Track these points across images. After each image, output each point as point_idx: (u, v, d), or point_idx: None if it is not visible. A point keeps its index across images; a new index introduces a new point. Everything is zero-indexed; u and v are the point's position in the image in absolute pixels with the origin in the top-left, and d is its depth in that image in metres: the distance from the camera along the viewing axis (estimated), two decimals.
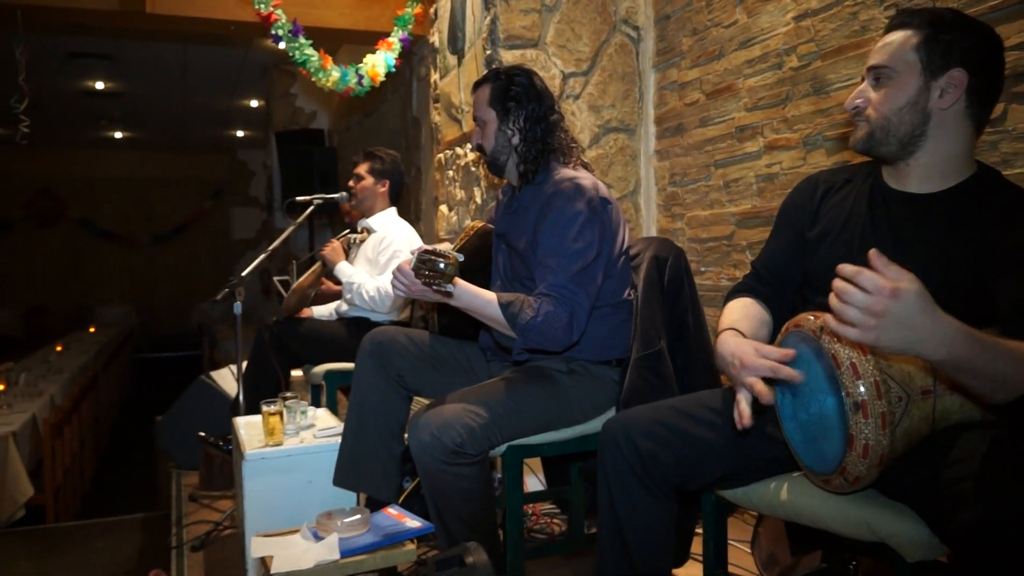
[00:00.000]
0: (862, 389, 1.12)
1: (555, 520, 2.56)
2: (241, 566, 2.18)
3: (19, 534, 3.99)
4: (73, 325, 11.05)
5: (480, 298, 1.78)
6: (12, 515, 4.07)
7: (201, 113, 10.05)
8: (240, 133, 11.41)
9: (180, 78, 8.24)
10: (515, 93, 1.98)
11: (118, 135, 11.66)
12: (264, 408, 2.16)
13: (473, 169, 3.21)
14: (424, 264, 1.58)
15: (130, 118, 10.41)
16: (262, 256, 2.91)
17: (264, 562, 1.59)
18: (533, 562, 2.24)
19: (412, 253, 1.62)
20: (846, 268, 1.02)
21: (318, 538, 1.63)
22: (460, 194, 3.39)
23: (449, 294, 1.72)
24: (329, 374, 2.98)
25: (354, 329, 2.99)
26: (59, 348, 7.65)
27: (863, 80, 1.42)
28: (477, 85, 2.06)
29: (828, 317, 1.05)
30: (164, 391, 5.75)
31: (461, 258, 1.59)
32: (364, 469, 2.03)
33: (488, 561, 1.37)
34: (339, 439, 2.10)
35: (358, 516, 1.67)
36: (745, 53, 2.51)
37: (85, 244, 12.91)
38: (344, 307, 3.19)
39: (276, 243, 2.96)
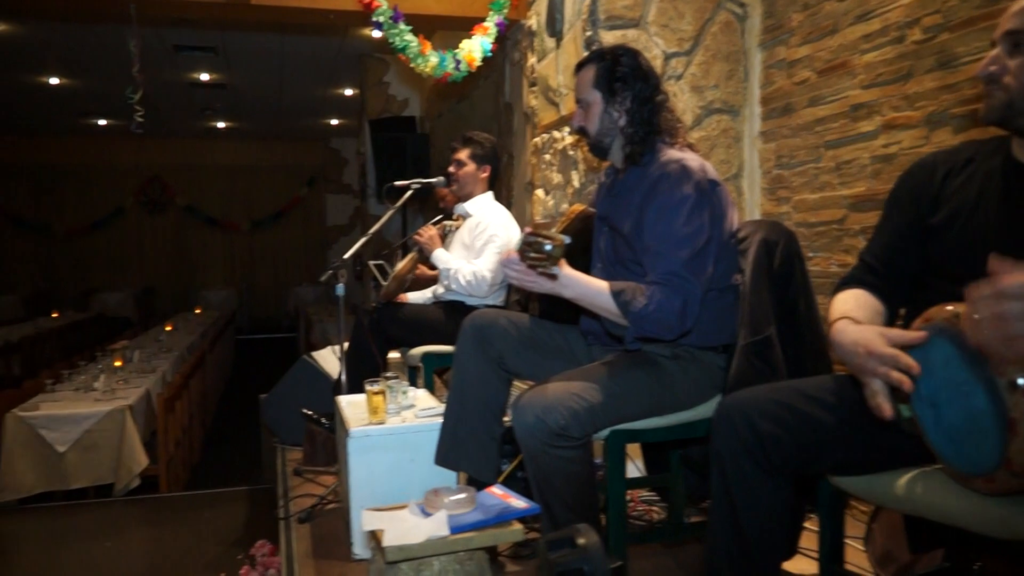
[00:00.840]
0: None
1: (653, 508, 2.53)
2: (346, 539, 2.24)
3: (135, 502, 4.26)
4: (180, 306, 11.68)
5: (591, 288, 1.76)
6: (128, 484, 4.33)
7: (297, 103, 10.35)
8: (334, 121, 11.72)
9: (278, 69, 8.51)
10: (622, 73, 1.92)
11: (221, 125, 12.16)
12: (368, 387, 2.21)
13: (571, 153, 3.19)
14: (530, 246, 1.55)
15: (231, 108, 10.83)
16: (363, 239, 2.98)
17: (375, 535, 1.62)
18: (633, 548, 2.21)
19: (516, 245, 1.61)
20: (972, 289, 1.04)
21: (426, 514, 1.66)
22: (557, 178, 3.37)
23: (554, 277, 1.70)
24: (427, 356, 3.03)
25: (451, 313, 3.03)
26: (169, 328, 8.05)
27: (994, 46, 1.32)
28: (580, 66, 2.01)
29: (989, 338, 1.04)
30: (264, 371, 6.00)
31: (568, 240, 1.56)
32: (465, 449, 2.05)
33: (599, 542, 1.36)
34: (440, 419, 2.13)
35: (465, 494, 1.68)
36: (862, 27, 2.39)
37: (191, 229, 13.54)
38: (441, 291, 3.23)
39: (376, 226, 3.01)
